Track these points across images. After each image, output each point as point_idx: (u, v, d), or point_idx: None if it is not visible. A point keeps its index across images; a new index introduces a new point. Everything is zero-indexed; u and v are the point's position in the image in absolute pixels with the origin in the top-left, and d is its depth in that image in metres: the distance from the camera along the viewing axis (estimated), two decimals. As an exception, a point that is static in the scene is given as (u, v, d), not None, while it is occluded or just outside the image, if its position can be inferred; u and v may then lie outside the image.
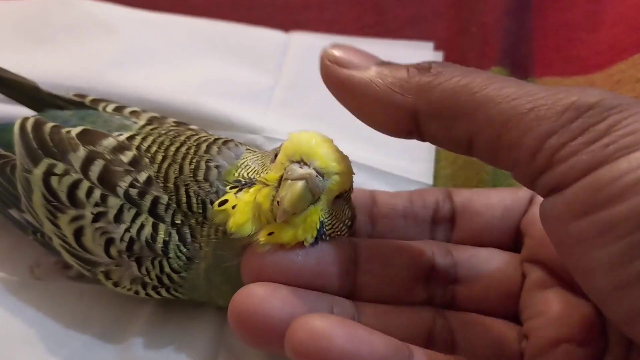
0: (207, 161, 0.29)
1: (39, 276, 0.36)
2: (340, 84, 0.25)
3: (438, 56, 0.47)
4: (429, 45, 0.47)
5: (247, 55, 0.47)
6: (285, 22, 0.49)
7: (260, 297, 0.24)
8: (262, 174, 0.27)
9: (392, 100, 0.24)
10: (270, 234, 0.26)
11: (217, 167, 0.29)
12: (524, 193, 0.30)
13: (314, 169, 0.25)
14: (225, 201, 0.27)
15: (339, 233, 0.28)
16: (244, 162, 0.29)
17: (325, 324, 0.23)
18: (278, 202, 0.25)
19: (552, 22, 0.47)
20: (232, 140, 0.31)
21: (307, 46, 0.47)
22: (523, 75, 0.44)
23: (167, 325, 0.34)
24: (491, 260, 0.29)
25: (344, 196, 0.28)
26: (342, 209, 0.28)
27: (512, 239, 0.30)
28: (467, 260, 0.29)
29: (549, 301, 0.27)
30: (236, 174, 0.28)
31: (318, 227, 0.26)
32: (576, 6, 0.46)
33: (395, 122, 0.25)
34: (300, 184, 0.25)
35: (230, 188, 0.28)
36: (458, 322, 0.28)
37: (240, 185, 0.27)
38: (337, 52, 0.26)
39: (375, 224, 0.31)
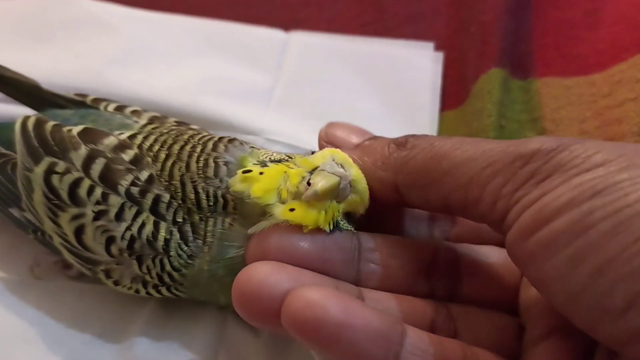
0: (216, 158, 0.29)
1: (39, 275, 0.36)
2: None
3: (438, 57, 0.47)
4: (430, 45, 0.47)
5: (247, 54, 0.47)
6: (285, 20, 0.49)
7: (265, 273, 0.24)
8: (298, 157, 0.28)
9: (375, 176, 0.28)
10: (292, 210, 0.26)
11: (225, 164, 0.29)
12: None
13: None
14: (250, 170, 0.28)
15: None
16: (267, 152, 0.30)
17: (321, 295, 0.23)
18: (309, 182, 0.26)
19: (552, 20, 0.47)
20: (236, 139, 0.31)
21: (307, 45, 0.47)
22: (523, 75, 0.44)
23: (167, 324, 0.34)
24: (491, 255, 0.30)
25: (353, 216, 0.28)
26: (348, 225, 0.28)
27: None
28: (468, 254, 0.30)
29: None
30: (260, 158, 0.29)
31: (336, 222, 0.27)
32: (576, 4, 0.46)
33: (382, 194, 0.28)
34: (336, 177, 0.26)
35: (254, 164, 0.28)
36: (460, 312, 0.28)
37: (270, 161, 0.28)
38: (332, 133, 0.30)
39: (371, 219, 0.31)
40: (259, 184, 0.27)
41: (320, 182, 0.26)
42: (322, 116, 0.39)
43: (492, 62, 0.43)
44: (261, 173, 0.27)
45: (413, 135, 0.28)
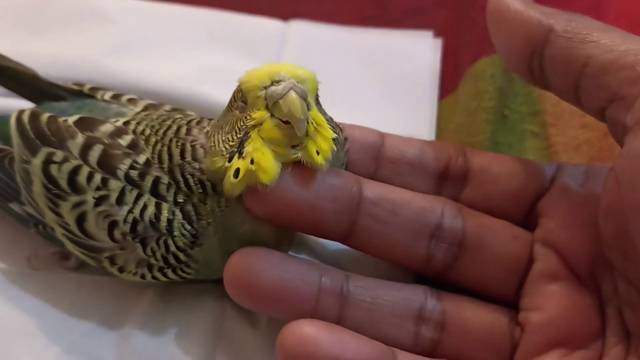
0: (192, 142, 0.30)
1: (37, 267, 0.36)
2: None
3: (437, 44, 0.47)
4: (429, 33, 0.47)
5: (246, 44, 0.47)
6: (286, 13, 0.49)
7: (252, 259, 0.27)
8: (246, 123, 0.27)
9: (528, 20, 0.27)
10: (318, 153, 0.26)
11: (202, 146, 0.29)
12: (548, 169, 0.30)
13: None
14: (237, 170, 0.26)
15: (340, 135, 0.28)
16: (215, 142, 0.28)
17: (313, 330, 0.25)
18: (284, 122, 0.26)
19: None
20: (204, 119, 0.31)
21: (306, 35, 0.47)
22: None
23: (166, 315, 0.34)
24: (501, 234, 0.29)
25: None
26: (323, 110, 0.28)
27: (523, 215, 0.30)
28: (476, 227, 0.29)
29: (552, 297, 0.27)
30: (224, 152, 0.27)
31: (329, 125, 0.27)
32: (579, -1, 0.46)
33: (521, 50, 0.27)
34: (292, 92, 0.25)
35: (229, 161, 0.27)
36: (450, 305, 0.28)
37: (236, 150, 0.27)
38: None
39: (379, 167, 0.30)
40: (262, 170, 0.26)
41: (292, 109, 0.25)
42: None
43: (494, 48, 0.43)
44: (252, 161, 0.26)
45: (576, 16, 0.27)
